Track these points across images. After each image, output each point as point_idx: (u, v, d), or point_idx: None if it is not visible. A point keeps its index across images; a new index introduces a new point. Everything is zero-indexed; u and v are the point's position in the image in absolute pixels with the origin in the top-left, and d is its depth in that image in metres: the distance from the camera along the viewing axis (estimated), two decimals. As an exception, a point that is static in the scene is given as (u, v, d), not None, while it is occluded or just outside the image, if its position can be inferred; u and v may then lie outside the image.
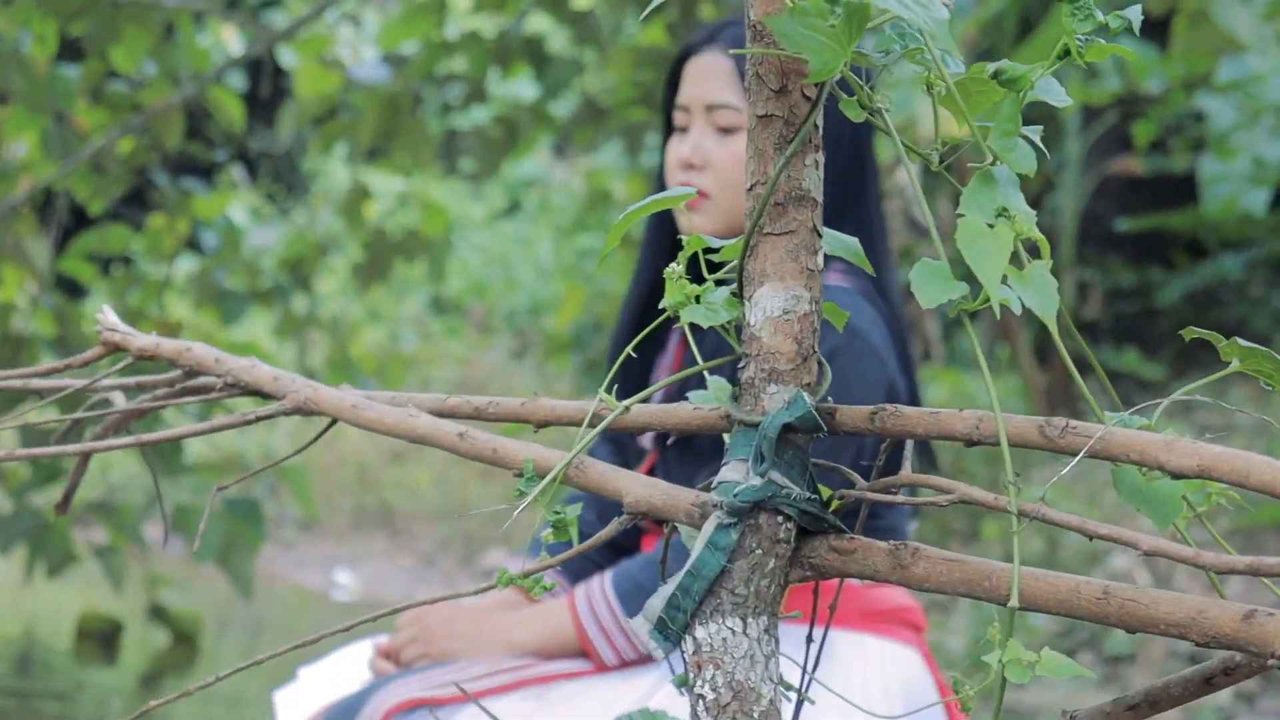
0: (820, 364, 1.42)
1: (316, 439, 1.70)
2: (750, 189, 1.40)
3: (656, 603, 1.43)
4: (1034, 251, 1.31)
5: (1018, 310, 1.28)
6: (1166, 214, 7.85)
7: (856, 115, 1.34)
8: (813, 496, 1.40)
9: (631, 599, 2.41)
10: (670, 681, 1.68)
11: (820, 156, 1.40)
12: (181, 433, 1.66)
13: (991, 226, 1.27)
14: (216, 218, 6.71)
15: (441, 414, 1.62)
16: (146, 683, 6.49)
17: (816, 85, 1.38)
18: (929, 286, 1.29)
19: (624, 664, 2.45)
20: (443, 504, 9.13)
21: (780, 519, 1.40)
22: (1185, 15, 6.04)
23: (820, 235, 1.40)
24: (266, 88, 7.26)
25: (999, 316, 1.26)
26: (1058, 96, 1.32)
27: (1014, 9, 9.03)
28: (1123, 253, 9.22)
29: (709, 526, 1.41)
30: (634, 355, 2.59)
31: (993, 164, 1.31)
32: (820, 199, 1.40)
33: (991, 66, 1.30)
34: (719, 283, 2.60)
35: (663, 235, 2.59)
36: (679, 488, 1.48)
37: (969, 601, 7.07)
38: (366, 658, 2.55)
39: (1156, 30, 7.58)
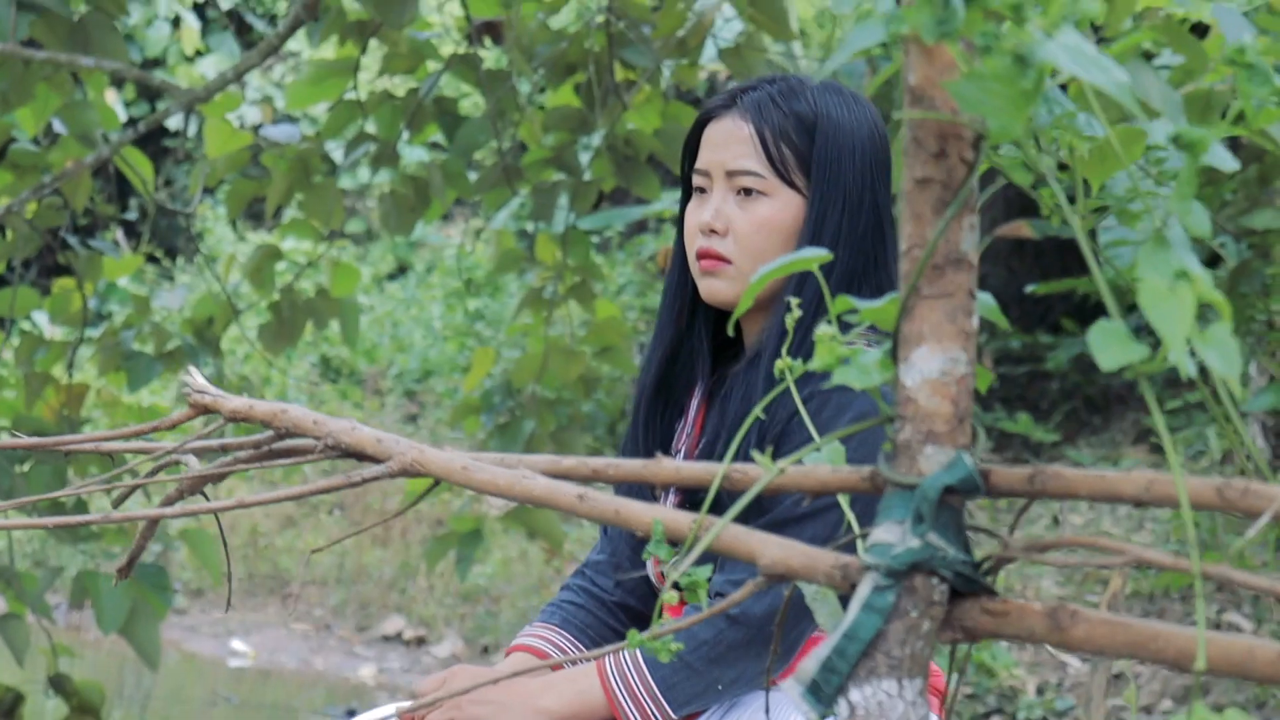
0: (974, 428, 1.42)
1: (418, 500, 1.68)
2: (906, 252, 1.41)
3: (810, 665, 1.42)
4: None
5: (1193, 373, 1.29)
6: (1073, 278, 7.97)
7: (1023, 179, 1.35)
8: (967, 559, 1.41)
9: (662, 665, 2.39)
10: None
11: (975, 219, 1.41)
12: (283, 495, 1.64)
13: (1171, 289, 1.28)
14: (99, 283, 6.63)
15: (556, 475, 1.61)
16: (47, 753, 6.36)
17: (974, 149, 1.39)
18: (1109, 349, 1.29)
19: (652, 730, 2.43)
20: (336, 570, 9.02)
21: (935, 581, 1.40)
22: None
23: (975, 297, 1.41)
24: (181, 149, 7.20)
25: (1185, 378, 1.27)
26: (1225, 161, 1.34)
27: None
28: (1010, 316, 9.35)
29: (864, 588, 1.41)
30: (656, 419, 2.58)
31: (1165, 226, 1.32)
32: (975, 261, 1.41)
33: (1167, 130, 1.32)
34: (729, 351, 2.60)
35: (682, 298, 2.58)
36: (817, 549, 1.47)
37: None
38: (388, 724, 2.51)
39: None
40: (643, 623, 2.59)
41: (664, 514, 1.52)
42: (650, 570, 2.55)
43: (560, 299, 6.35)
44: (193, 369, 1.74)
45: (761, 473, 1.52)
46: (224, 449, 1.74)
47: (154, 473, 1.84)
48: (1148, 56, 5.90)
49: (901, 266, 1.42)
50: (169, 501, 1.82)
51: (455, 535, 6.29)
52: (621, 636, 2.56)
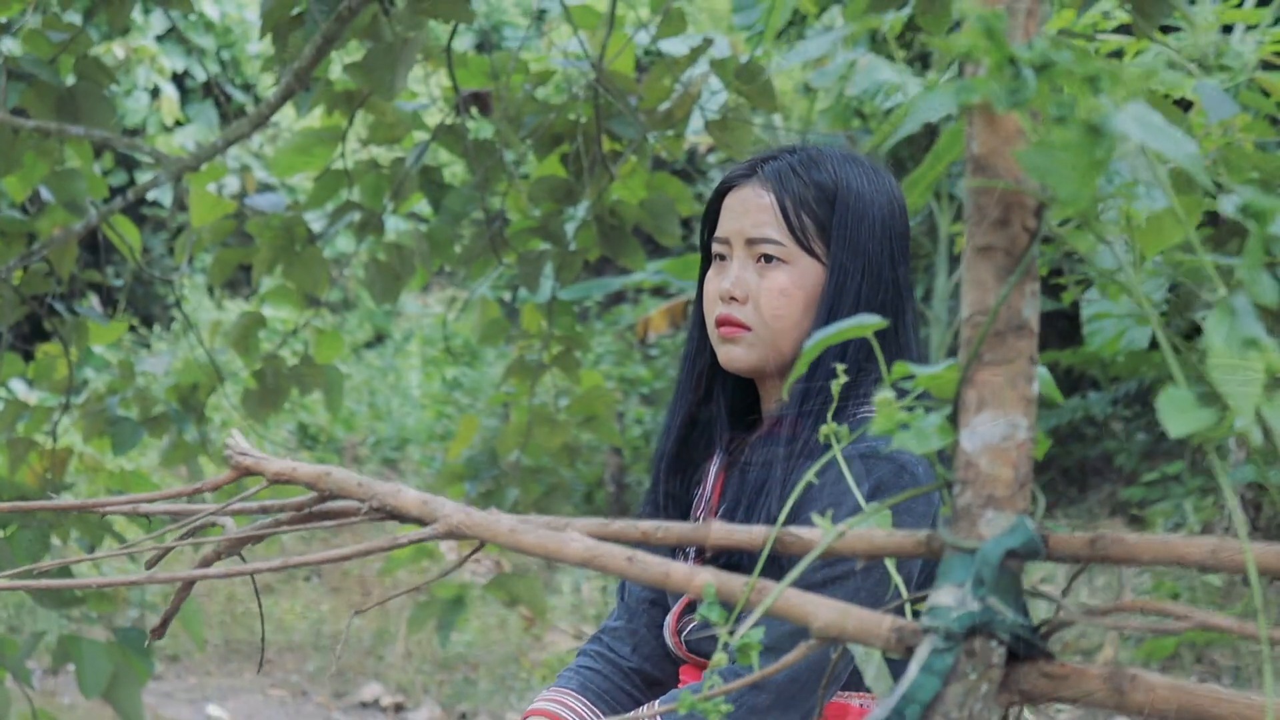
0: (1033, 493, 1.43)
1: (463, 562, 1.68)
2: (968, 318, 1.42)
3: (869, 730, 1.42)
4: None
5: (1259, 442, 1.30)
6: (1053, 350, 8.03)
7: (1088, 246, 1.37)
8: (1026, 622, 1.41)
9: (683, 732, 2.39)
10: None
11: (1037, 286, 1.42)
12: (330, 556, 1.63)
13: (1241, 358, 1.30)
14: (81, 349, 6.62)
15: (605, 538, 1.61)
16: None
17: (1036, 217, 1.41)
18: (1177, 416, 1.30)
19: (674, 799, 2.42)
20: (314, 636, 8.98)
21: (994, 644, 1.40)
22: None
23: (1036, 364, 1.42)
24: (165, 218, 7.19)
25: (1253, 447, 1.28)
26: (1289, 231, 1.35)
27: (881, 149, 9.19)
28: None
29: (923, 651, 1.41)
30: (676, 486, 2.58)
31: (1232, 295, 1.33)
32: (1036, 328, 1.42)
33: (1236, 201, 1.33)
34: (747, 418, 2.61)
35: (701, 365, 2.59)
36: (872, 612, 1.48)
37: None
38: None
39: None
40: (659, 689, 2.58)
41: (716, 577, 1.52)
42: (668, 637, 2.54)
43: (544, 368, 6.36)
44: (236, 432, 1.74)
45: (817, 535, 1.52)
46: (264, 511, 1.74)
47: (190, 533, 1.84)
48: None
49: (963, 333, 1.43)
50: (206, 563, 1.81)
51: (438, 602, 6.27)
52: (638, 702, 2.56)
